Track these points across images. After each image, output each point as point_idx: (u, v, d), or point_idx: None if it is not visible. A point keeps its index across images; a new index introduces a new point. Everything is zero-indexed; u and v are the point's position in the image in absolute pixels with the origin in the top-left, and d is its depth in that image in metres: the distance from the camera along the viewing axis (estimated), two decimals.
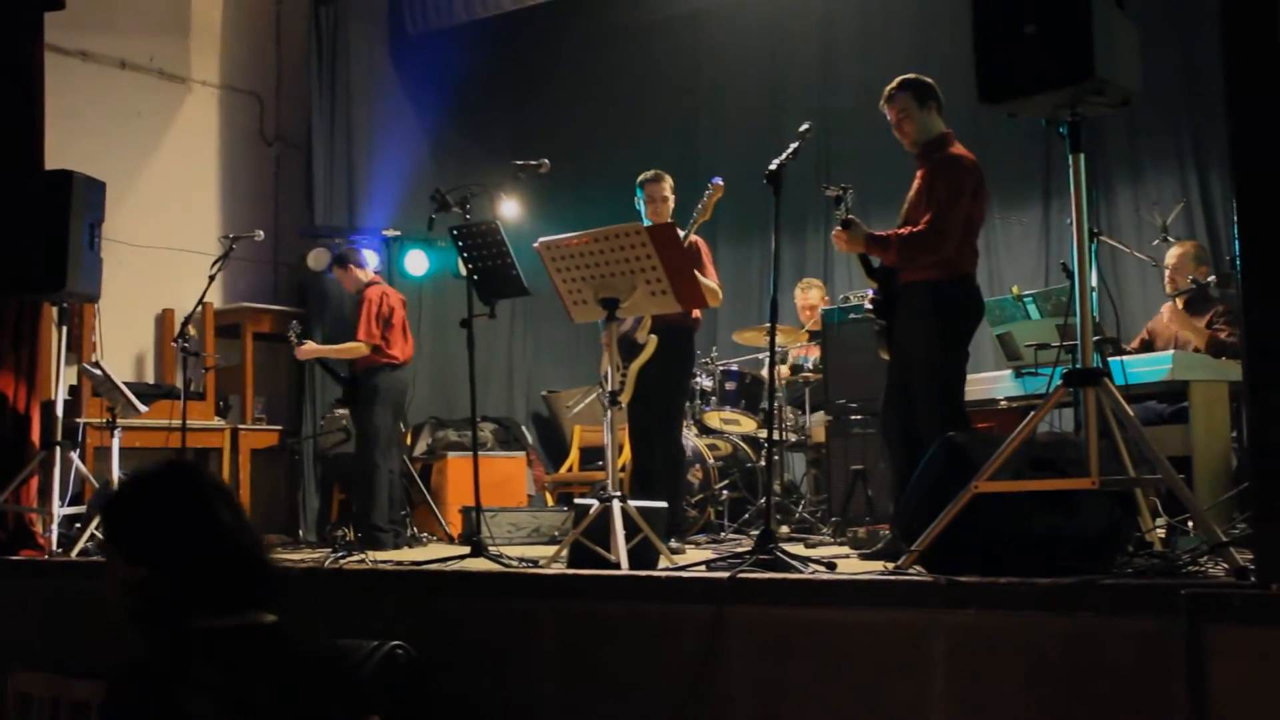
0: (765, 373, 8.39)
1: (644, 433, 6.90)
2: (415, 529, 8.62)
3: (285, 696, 2.64)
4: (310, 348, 8.30)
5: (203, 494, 2.77)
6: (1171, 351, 6.26)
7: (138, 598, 2.67)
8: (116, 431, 7.15)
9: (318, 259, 9.59)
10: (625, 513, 5.02)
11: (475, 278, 6.20)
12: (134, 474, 2.91)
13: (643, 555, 5.01)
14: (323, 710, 2.71)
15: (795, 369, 8.66)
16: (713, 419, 8.56)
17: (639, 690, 4.36)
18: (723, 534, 7.77)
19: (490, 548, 5.84)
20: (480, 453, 6.84)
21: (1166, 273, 7.02)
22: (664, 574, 4.59)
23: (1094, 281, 4.88)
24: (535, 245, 5.52)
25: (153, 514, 2.73)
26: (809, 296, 8.78)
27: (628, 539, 4.95)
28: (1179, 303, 6.89)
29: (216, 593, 2.69)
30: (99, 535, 6.54)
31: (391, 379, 8.04)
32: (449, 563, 5.48)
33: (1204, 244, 8.41)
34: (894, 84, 5.74)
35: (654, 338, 6.52)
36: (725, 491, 8.17)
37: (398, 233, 9.80)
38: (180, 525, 2.70)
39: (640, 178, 7.00)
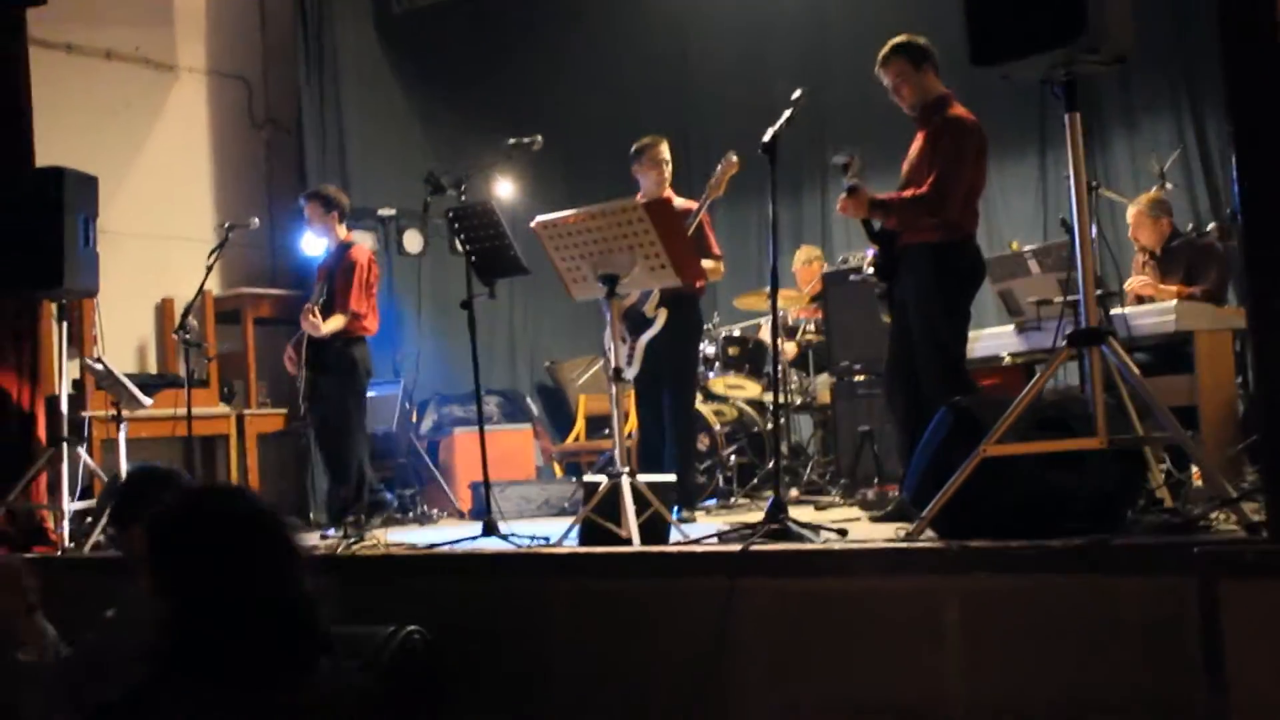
0: (767, 336, 8.42)
1: (653, 405, 6.90)
2: (426, 506, 8.65)
3: None
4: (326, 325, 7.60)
5: (260, 531, 2.51)
6: (1174, 302, 6.26)
7: (159, 629, 2.43)
8: (122, 425, 7.15)
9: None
10: (634, 488, 5.02)
11: (474, 259, 6.19)
12: (199, 487, 2.71)
13: (654, 528, 5.02)
14: None
15: (792, 332, 8.64)
16: (717, 385, 8.56)
17: (655, 664, 4.37)
18: (732, 499, 7.79)
19: (501, 524, 5.86)
20: (486, 427, 6.86)
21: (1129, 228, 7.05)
22: (675, 549, 4.62)
23: (1093, 234, 4.88)
24: (532, 225, 5.51)
25: (199, 538, 2.47)
26: (811, 269, 8.80)
27: (638, 513, 4.96)
28: (1141, 262, 6.93)
29: (244, 657, 2.41)
30: (112, 531, 6.58)
31: (365, 352, 7.65)
32: (461, 544, 5.49)
33: (1201, 191, 8.44)
34: (887, 48, 5.71)
35: (664, 311, 6.52)
36: (733, 457, 8.18)
37: (393, 211, 9.80)
38: (231, 562, 2.44)
39: (636, 145, 6.99)
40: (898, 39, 5.74)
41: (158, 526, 2.54)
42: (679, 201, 6.79)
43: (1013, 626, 3.78)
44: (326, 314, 7.35)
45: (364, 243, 8.34)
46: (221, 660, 2.39)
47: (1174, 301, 6.25)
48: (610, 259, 5.32)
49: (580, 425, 9.96)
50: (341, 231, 7.77)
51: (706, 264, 6.69)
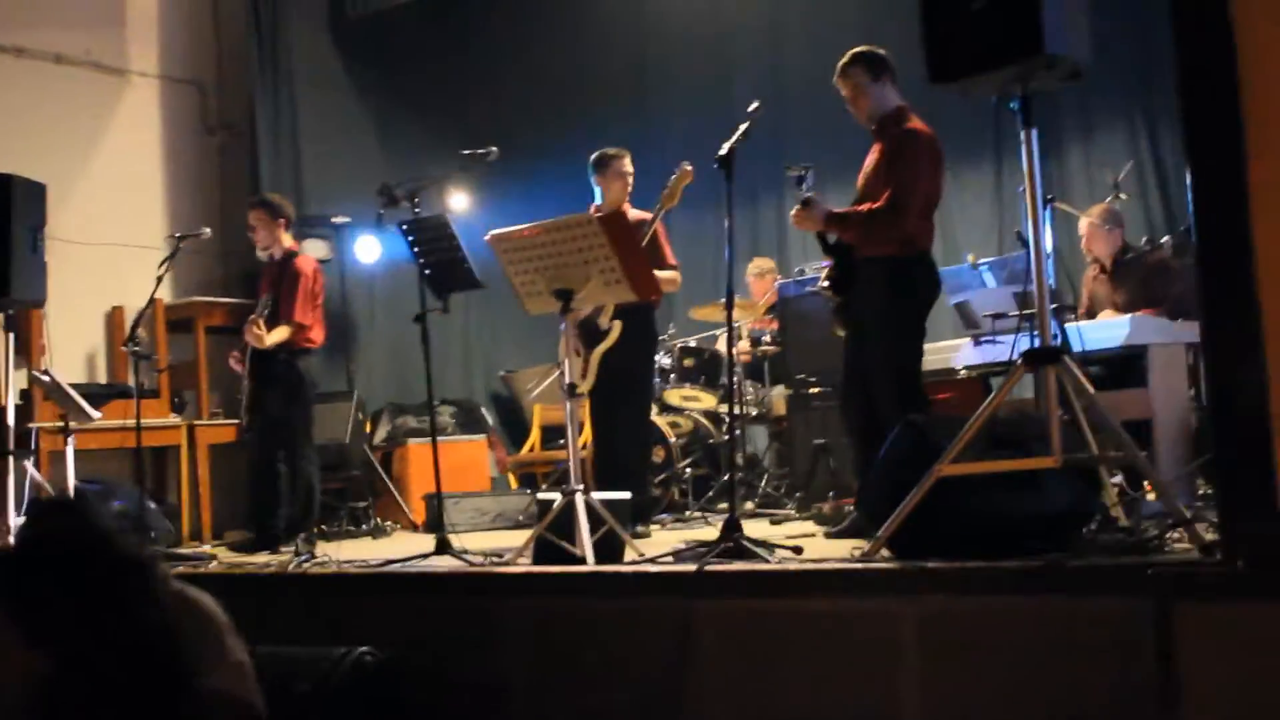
0: (723, 348, 8.41)
1: (608, 417, 6.87)
2: (379, 518, 8.59)
3: None
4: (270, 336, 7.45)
5: (130, 570, 2.41)
6: (1128, 315, 6.28)
7: (39, 694, 2.30)
8: (70, 437, 7.06)
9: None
10: (589, 506, 4.99)
11: (427, 272, 6.15)
12: (49, 529, 2.44)
13: (608, 546, 4.98)
14: None
15: (754, 341, 8.67)
16: (673, 396, 8.54)
17: (613, 683, 4.35)
18: (687, 513, 7.77)
19: (455, 539, 5.81)
20: (440, 438, 6.82)
21: (1082, 241, 7.08)
22: (630, 569, 4.60)
23: (1049, 248, 4.89)
24: (486, 238, 5.49)
25: (68, 584, 2.35)
26: (764, 281, 8.81)
27: (592, 529, 4.93)
28: (1093, 274, 6.96)
29: (117, 696, 2.32)
30: None
31: (312, 365, 7.54)
32: (413, 563, 5.44)
33: (1155, 202, 8.50)
34: (846, 58, 5.71)
35: (618, 323, 6.47)
36: (689, 469, 8.17)
37: (347, 219, 9.73)
38: (101, 606, 2.33)
39: (598, 155, 6.95)
40: (857, 49, 5.73)
41: (9, 564, 2.45)
42: (633, 213, 6.77)
43: (969, 647, 3.78)
44: (271, 325, 7.24)
45: (311, 252, 8.25)
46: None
47: (1128, 315, 6.27)
48: (565, 273, 5.29)
49: (535, 436, 9.92)
50: (286, 240, 7.63)
51: (665, 275, 6.67)
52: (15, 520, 6.64)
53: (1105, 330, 6.21)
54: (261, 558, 6.63)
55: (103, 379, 9.30)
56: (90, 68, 9.57)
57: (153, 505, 8.22)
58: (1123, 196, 7.45)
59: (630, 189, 6.94)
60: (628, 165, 6.92)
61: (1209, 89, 3.62)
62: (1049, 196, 6.25)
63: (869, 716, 3.86)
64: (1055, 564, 3.75)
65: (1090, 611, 3.63)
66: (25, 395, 8.16)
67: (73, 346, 9.05)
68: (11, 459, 6.72)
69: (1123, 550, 4.00)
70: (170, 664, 2.34)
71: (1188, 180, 3.70)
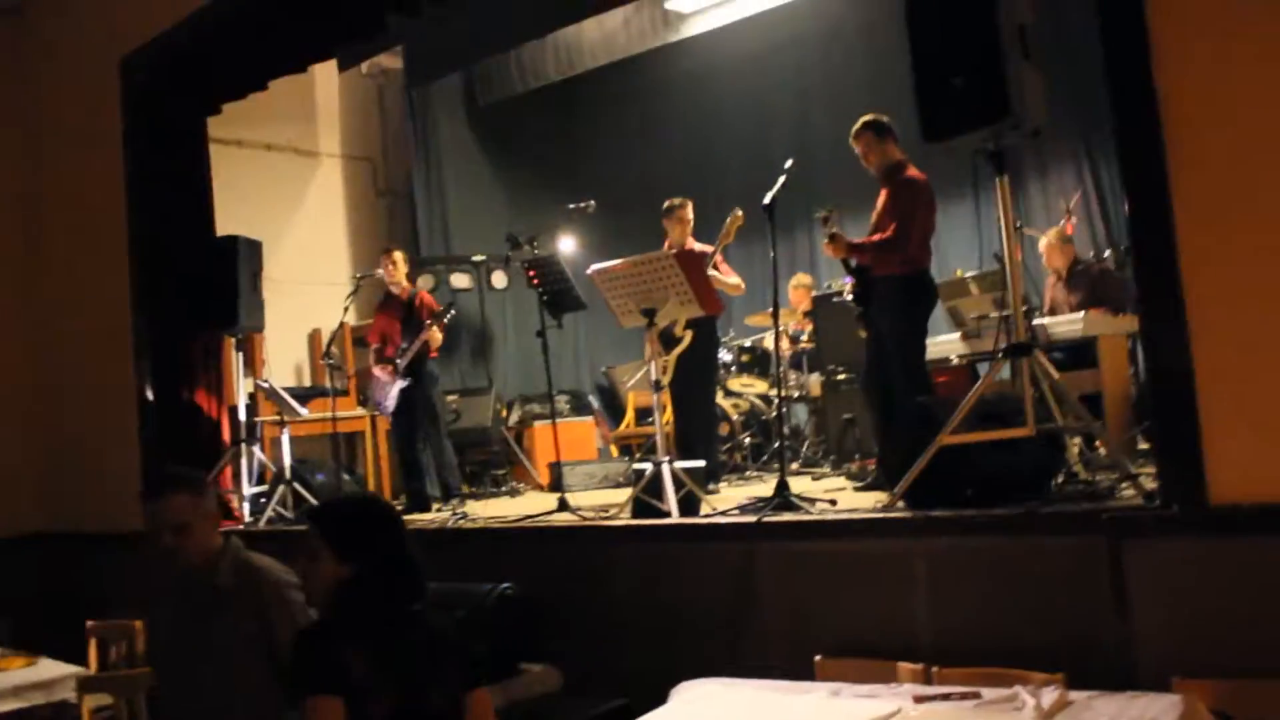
0: (770, 345, 8.38)
1: (684, 403, 6.86)
2: (514, 482, 8.66)
3: (418, 661, 2.68)
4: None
5: (398, 522, 2.85)
6: (1083, 313, 6.18)
7: (338, 585, 2.69)
8: (285, 428, 7.20)
9: (425, 282, 9.62)
10: (673, 472, 5.01)
11: (545, 299, 6.19)
12: (351, 496, 3.05)
13: (689, 502, 5.00)
14: (443, 673, 2.72)
15: (794, 339, 8.62)
16: (734, 383, 8.53)
17: (696, 604, 4.38)
18: (747, 473, 7.75)
19: (570, 498, 5.83)
20: (557, 419, 6.86)
21: (1043, 257, 6.95)
22: (705, 521, 4.60)
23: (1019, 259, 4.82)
24: (588, 273, 5.50)
25: (369, 527, 2.78)
26: (800, 292, 8.76)
27: (676, 491, 4.95)
28: (1052, 282, 6.85)
29: (391, 590, 2.73)
30: (280, 510, 6.65)
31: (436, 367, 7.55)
32: (541, 518, 5.49)
33: (1098, 224, 8.35)
34: (858, 124, 5.66)
35: (689, 332, 6.46)
36: (747, 439, 8.15)
37: (484, 257, 9.82)
38: (386, 540, 2.77)
39: (667, 204, 6.96)
40: (866, 117, 5.69)
41: (337, 514, 2.85)
42: (697, 247, 6.76)
43: (967, 577, 3.77)
44: (413, 337, 7.26)
45: (455, 283, 8.53)
46: (378, 601, 2.70)
47: (1081, 313, 6.17)
48: (649, 296, 5.31)
49: (630, 416, 9.92)
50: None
51: (731, 281, 6.66)
52: (249, 490, 6.79)
53: (1064, 325, 6.11)
54: (428, 516, 6.70)
55: (307, 383, 9.44)
56: (291, 152, 9.72)
57: (346, 477, 8.35)
58: (1073, 220, 7.35)
59: (690, 228, 6.91)
60: (688, 212, 6.86)
61: (1138, 136, 3.60)
62: (1018, 224, 6.20)
63: (890, 630, 3.85)
64: (1031, 511, 3.72)
65: (1059, 548, 3.61)
66: (252, 398, 8.32)
67: (284, 360, 9.23)
68: (243, 445, 6.85)
69: (1083, 499, 3.96)
70: (418, 578, 2.76)
71: (1124, 206, 3.66)
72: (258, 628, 2.77)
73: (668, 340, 6.53)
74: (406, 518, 6.65)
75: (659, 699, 3.57)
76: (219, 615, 3.16)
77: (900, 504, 4.19)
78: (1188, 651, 3.24)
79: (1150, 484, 3.72)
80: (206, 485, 3.43)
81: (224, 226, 7.15)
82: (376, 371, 7.50)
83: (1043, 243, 6.89)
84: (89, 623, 5.11)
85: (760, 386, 8.52)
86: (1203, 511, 3.34)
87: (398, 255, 7.65)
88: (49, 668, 4.61)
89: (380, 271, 7.61)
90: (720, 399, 8.07)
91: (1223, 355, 3.39)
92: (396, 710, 2.59)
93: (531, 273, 6.22)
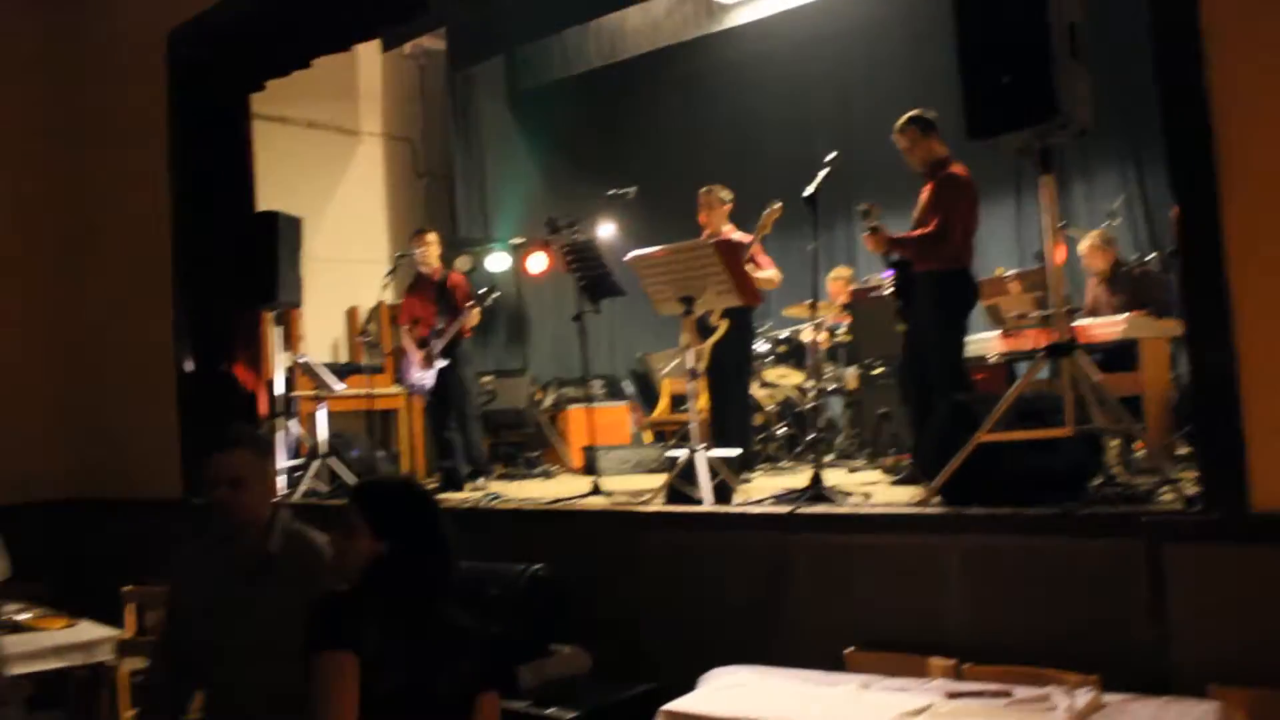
0: (807, 337, 8.35)
1: (718, 391, 6.86)
2: (548, 465, 8.69)
3: (431, 648, 2.73)
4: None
5: (435, 505, 2.92)
6: (1126, 314, 6.12)
7: (371, 562, 2.74)
8: (322, 403, 7.26)
9: (463, 263, 9.67)
10: (707, 460, 5.01)
11: (583, 284, 6.19)
12: (391, 476, 2.97)
13: (722, 490, 5.00)
14: (456, 666, 2.76)
15: (830, 332, 8.59)
16: (770, 374, 8.49)
17: (726, 593, 4.38)
18: (781, 464, 7.74)
19: (603, 482, 5.84)
20: (593, 404, 6.87)
21: (1083, 259, 6.89)
22: (739, 510, 4.59)
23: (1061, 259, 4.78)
24: (626, 259, 5.50)
25: (408, 507, 2.85)
26: (838, 285, 8.73)
27: (709, 479, 4.94)
28: (1094, 283, 6.79)
29: (422, 571, 2.78)
30: (316, 483, 6.70)
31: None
32: (574, 501, 5.50)
33: (1141, 226, 8.28)
34: (902, 119, 5.63)
35: (725, 321, 6.47)
36: (782, 430, 8.14)
37: (522, 240, 9.84)
38: (422, 521, 2.83)
39: (702, 190, 6.92)
40: (911, 112, 5.66)
41: (377, 491, 2.94)
42: (737, 235, 6.74)
43: (1000, 576, 3.75)
44: (450, 319, 7.26)
45: (492, 266, 8.51)
46: (408, 580, 2.75)
47: (1123, 315, 6.11)
48: (688, 285, 5.29)
49: (664, 402, 9.93)
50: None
51: (766, 274, 6.64)
52: (284, 463, 6.84)
53: (1105, 327, 6.06)
54: (460, 495, 6.73)
55: (344, 360, 9.53)
56: (333, 130, 9.79)
57: (380, 453, 8.42)
58: (1116, 222, 7.28)
59: (727, 213, 6.81)
60: (717, 196, 6.78)
61: (1188, 138, 3.55)
62: (1061, 224, 6.14)
63: (922, 625, 3.83)
64: (1068, 511, 3.69)
65: (1096, 550, 3.57)
66: (289, 373, 8.38)
67: (322, 336, 9.31)
68: (280, 419, 6.90)
69: (1121, 501, 3.92)
70: (448, 559, 2.82)
71: (1170, 210, 3.63)
72: (300, 599, 2.79)
73: (703, 329, 6.53)
74: (439, 496, 6.74)
75: (687, 684, 3.58)
76: (265, 580, 3.21)
77: (935, 499, 4.17)
78: (1226, 658, 3.21)
79: (1190, 489, 3.69)
80: (269, 448, 3.48)
81: (264, 202, 7.19)
82: (410, 354, 7.53)
83: (1085, 244, 6.83)
84: (126, 588, 5.18)
85: (796, 378, 8.49)
86: (1244, 518, 3.31)
87: (430, 236, 7.65)
88: (88, 630, 4.68)
89: (416, 251, 7.64)
90: (755, 389, 8.05)
91: (1268, 361, 3.35)
92: (400, 690, 2.63)
93: (569, 257, 6.21)
